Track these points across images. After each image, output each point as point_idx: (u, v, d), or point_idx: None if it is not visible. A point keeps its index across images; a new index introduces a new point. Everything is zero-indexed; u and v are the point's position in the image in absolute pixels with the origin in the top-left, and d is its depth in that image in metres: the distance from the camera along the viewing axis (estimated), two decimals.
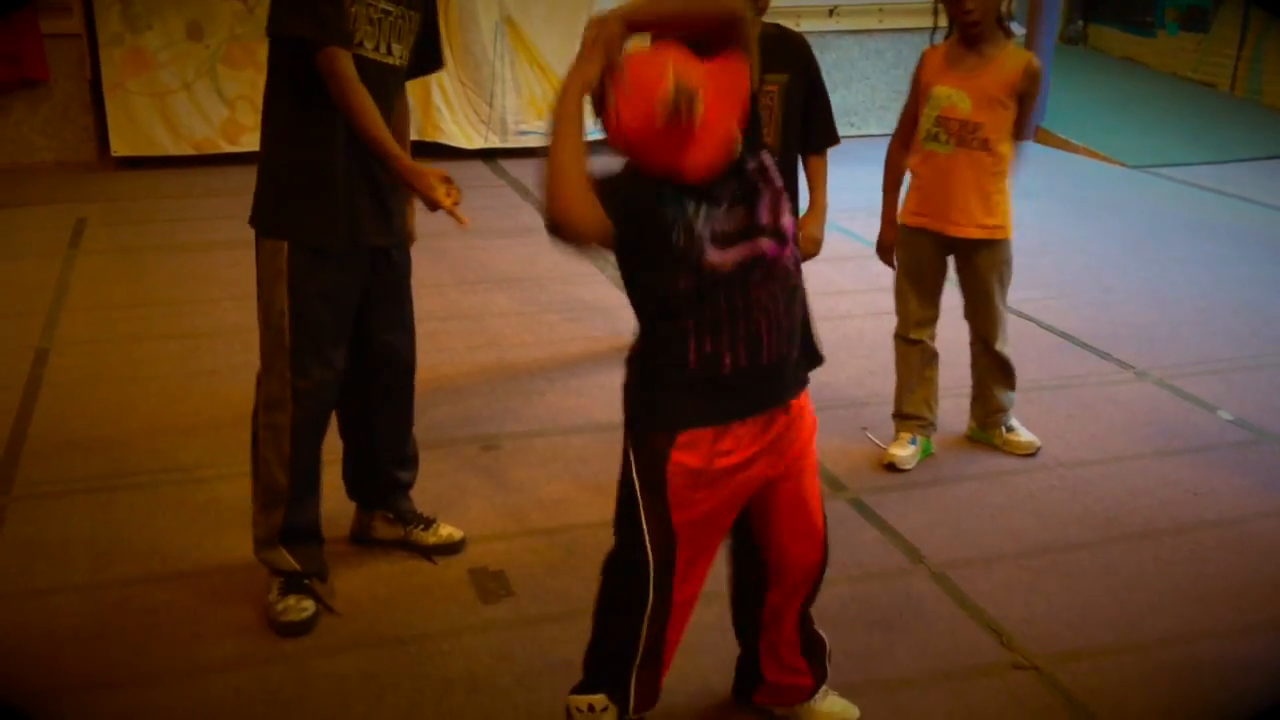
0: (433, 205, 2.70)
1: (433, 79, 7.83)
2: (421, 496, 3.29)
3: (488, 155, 8.20)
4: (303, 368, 2.81)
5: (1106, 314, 5.18)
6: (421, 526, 3.19)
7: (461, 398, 4.24)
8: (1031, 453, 3.80)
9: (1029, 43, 8.90)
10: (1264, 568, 3.16)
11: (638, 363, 2.18)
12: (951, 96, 3.51)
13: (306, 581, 2.91)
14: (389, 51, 2.81)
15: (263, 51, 2.90)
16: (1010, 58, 3.51)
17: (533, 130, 8.29)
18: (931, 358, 3.77)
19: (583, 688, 2.36)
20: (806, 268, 2.42)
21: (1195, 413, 4.17)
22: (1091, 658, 2.77)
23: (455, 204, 2.70)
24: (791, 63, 3.38)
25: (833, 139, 3.54)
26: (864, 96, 8.84)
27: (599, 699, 2.32)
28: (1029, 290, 5.36)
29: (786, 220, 2.13)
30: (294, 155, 2.78)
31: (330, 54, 2.65)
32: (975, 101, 3.48)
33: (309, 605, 2.88)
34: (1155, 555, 3.23)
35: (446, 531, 3.21)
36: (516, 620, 2.92)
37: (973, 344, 3.81)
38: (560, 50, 8.19)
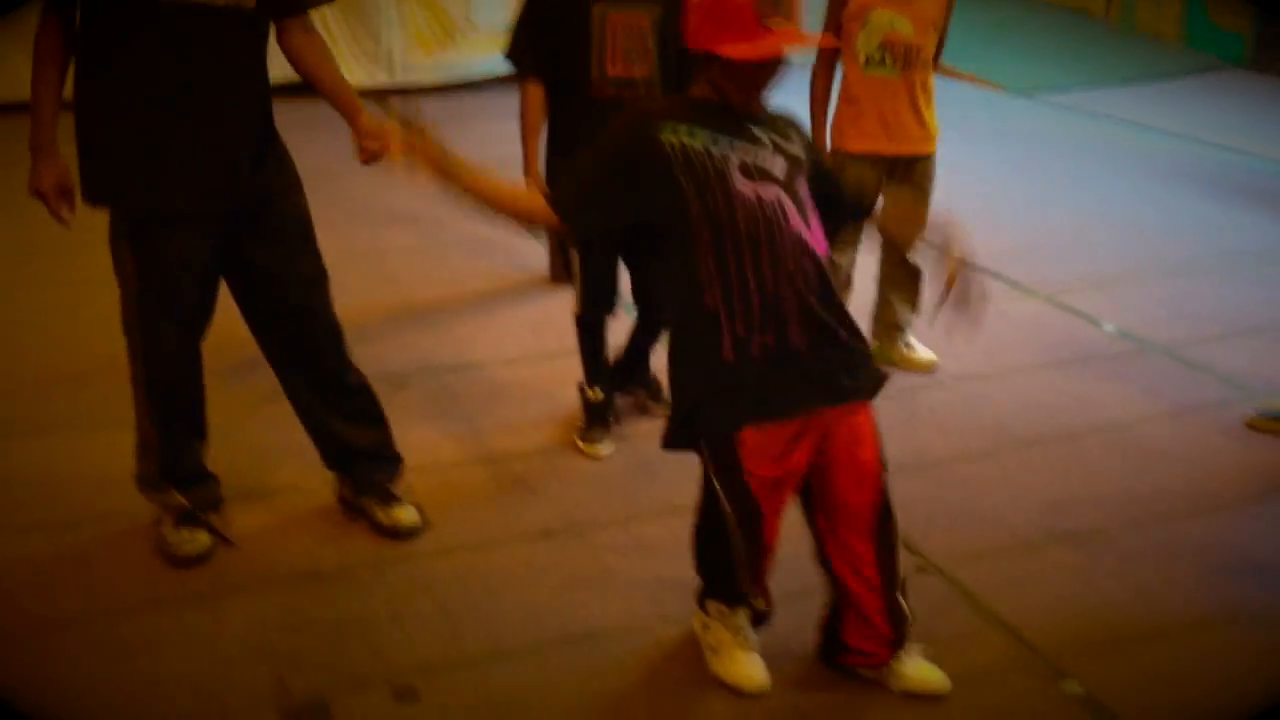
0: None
1: (316, 17, 7.61)
2: None
3: (376, 94, 8.02)
4: (151, 329, 2.75)
5: (995, 235, 5.32)
6: (376, 500, 3.00)
7: (366, 338, 4.17)
8: (930, 370, 3.93)
9: None
10: (1147, 468, 3.33)
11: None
12: (894, 21, 3.57)
13: (200, 515, 2.89)
14: None
15: None
16: None
17: (421, 67, 8.14)
18: (845, 284, 3.85)
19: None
20: None
21: (1081, 326, 4.35)
22: (991, 558, 2.91)
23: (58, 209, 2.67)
24: (663, 5, 3.14)
25: None
26: None
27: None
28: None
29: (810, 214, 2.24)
30: (103, 116, 2.61)
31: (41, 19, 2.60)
32: (916, 25, 3.57)
33: (203, 538, 2.86)
34: (1046, 461, 3.38)
35: (400, 513, 2.99)
36: (435, 550, 2.94)
37: (884, 260, 3.90)
38: None
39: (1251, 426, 3.54)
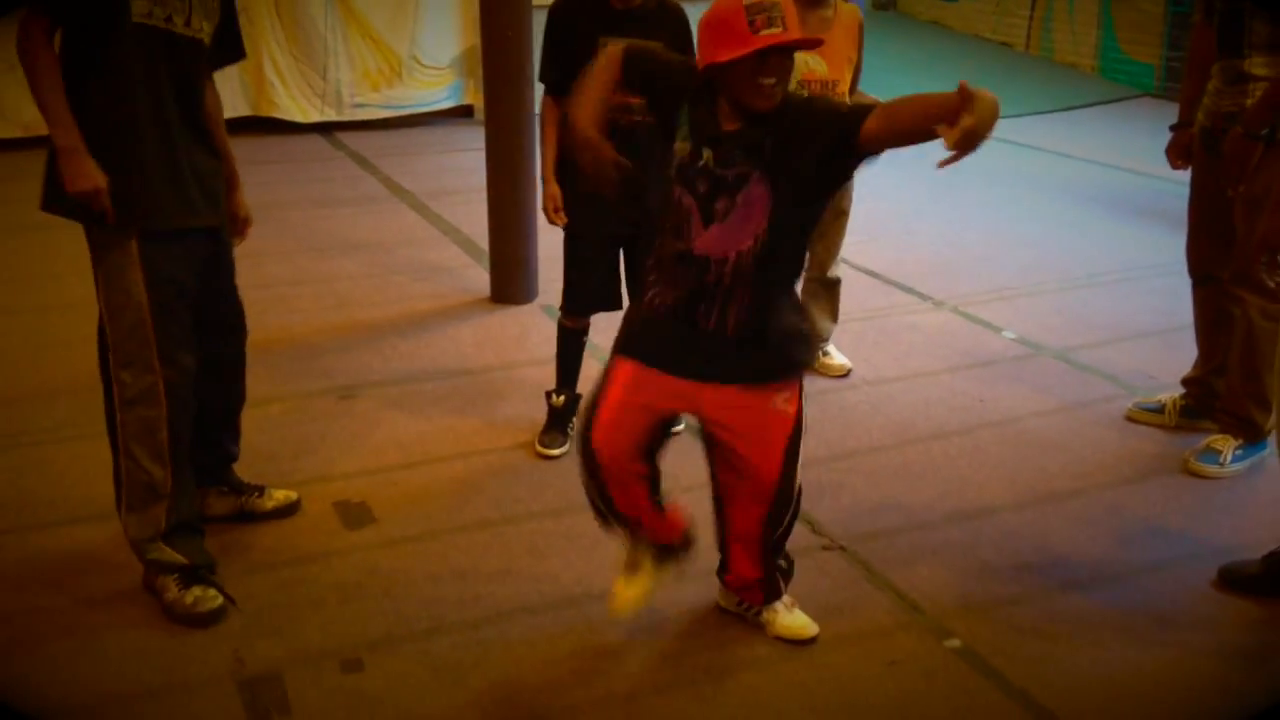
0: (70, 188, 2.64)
1: (264, 54, 7.90)
2: (281, 445, 3.50)
3: (324, 129, 8.30)
4: (170, 358, 2.76)
5: (911, 254, 5.69)
6: (256, 494, 3.26)
7: (315, 355, 4.44)
8: (844, 374, 4.24)
9: None
10: (1033, 457, 3.65)
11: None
12: (808, 61, 3.77)
13: (203, 572, 2.88)
14: (194, 25, 2.72)
15: None
16: (845, 14, 3.86)
17: (368, 103, 8.41)
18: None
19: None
20: None
21: (983, 334, 4.69)
22: (887, 536, 3.20)
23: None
24: (664, 37, 3.36)
25: None
26: None
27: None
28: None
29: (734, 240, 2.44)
30: (107, 139, 2.65)
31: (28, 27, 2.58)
32: (830, 62, 3.76)
33: (215, 593, 2.84)
34: (944, 452, 3.69)
35: (282, 495, 3.29)
36: (381, 542, 3.18)
37: (806, 275, 4.19)
38: (391, 22, 8.32)
39: (1130, 418, 3.87)
